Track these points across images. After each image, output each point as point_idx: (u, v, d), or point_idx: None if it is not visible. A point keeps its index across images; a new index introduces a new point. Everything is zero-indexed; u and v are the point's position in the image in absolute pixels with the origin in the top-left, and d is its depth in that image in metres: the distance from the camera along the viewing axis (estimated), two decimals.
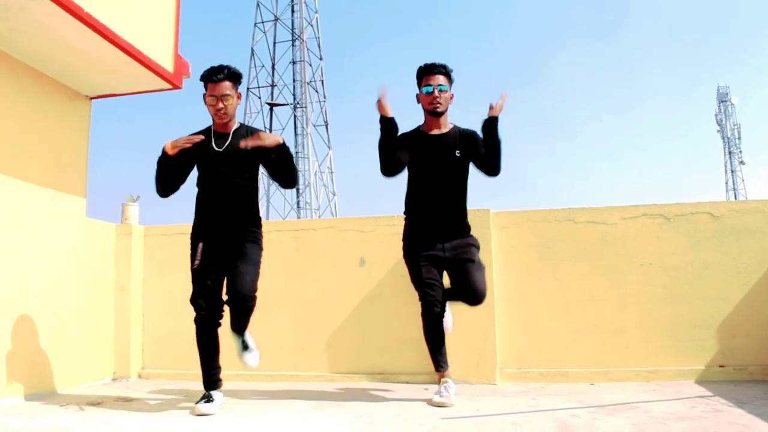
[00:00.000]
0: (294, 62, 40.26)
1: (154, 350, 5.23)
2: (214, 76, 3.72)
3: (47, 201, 4.40)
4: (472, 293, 3.89)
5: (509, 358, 4.66)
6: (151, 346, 5.25)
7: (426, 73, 3.95)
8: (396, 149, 3.90)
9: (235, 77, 3.79)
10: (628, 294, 4.62)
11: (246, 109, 38.81)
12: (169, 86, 4.69)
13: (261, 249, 3.83)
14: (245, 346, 3.85)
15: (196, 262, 3.74)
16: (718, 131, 51.61)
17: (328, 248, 5.02)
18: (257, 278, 3.75)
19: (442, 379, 3.87)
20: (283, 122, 40.38)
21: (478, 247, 4.00)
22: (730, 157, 50.92)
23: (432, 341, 3.88)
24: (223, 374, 3.79)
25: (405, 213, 4.06)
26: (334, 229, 5.03)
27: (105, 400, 4.09)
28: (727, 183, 50.54)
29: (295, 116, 39.70)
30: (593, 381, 4.50)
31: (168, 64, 4.55)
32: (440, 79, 3.92)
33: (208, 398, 3.64)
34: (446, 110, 3.98)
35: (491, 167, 3.90)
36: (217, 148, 3.77)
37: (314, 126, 40.02)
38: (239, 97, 3.85)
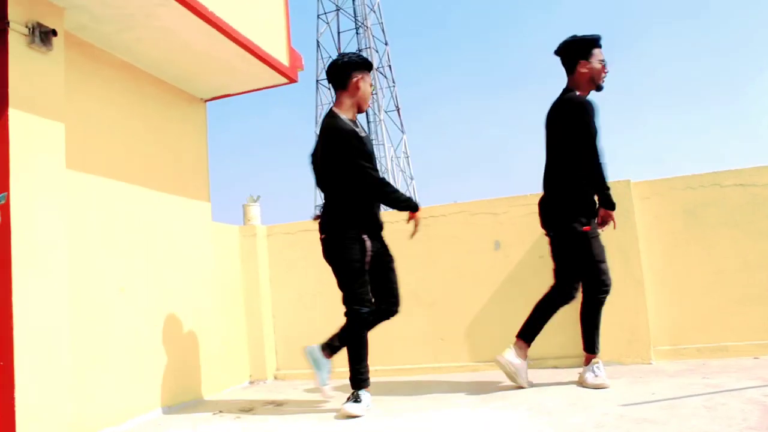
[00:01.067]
0: (360, 50, 40.25)
1: (287, 351, 5.18)
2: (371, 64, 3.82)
3: (177, 208, 4.39)
4: None
5: (662, 334, 4.39)
6: (284, 347, 5.21)
7: (599, 45, 3.81)
8: None
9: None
10: None
11: (317, 101, 39.07)
12: (286, 80, 4.59)
13: None
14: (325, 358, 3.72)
15: (368, 258, 3.60)
16: None
17: (459, 234, 4.85)
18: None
19: (593, 360, 3.73)
20: None
21: None
22: None
23: (598, 321, 3.80)
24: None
25: (571, 185, 3.74)
26: (465, 213, 4.84)
27: (255, 405, 4.05)
28: None
29: None
30: (757, 354, 4.19)
31: (283, 58, 4.46)
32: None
33: (356, 398, 3.52)
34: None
35: None
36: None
37: (386, 112, 39.96)
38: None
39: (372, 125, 39.02)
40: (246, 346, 5.10)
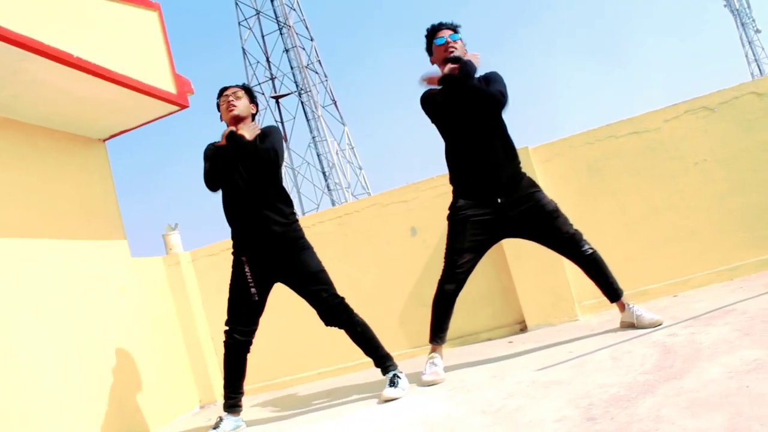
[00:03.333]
0: (287, 50, 39.96)
1: None
2: (224, 87, 3.82)
3: (92, 253, 4.37)
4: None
5: (585, 290, 4.51)
6: None
7: (434, 31, 3.80)
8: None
9: (247, 89, 3.86)
10: (689, 196, 4.43)
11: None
12: (177, 107, 4.58)
13: (312, 249, 3.77)
14: (393, 382, 3.57)
15: (253, 290, 3.69)
16: (725, 6, 50.04)
17: (375, 227, 4.91)
18: (329, 281, 3.73)
19: (432, 354, 3.71)
20: (292, 111, 40.13)
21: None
22: (744, 29, 49.42)
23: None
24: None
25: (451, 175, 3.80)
26: (377, 206, 4.90)
27: (205, 430, 4.10)
28: (747, 56, 49.14)
29: (302, 102, 39.55)
30: (675, 293, 4.35)
31: (170, 87, 4.45)
32: (448, 32, 3.76)
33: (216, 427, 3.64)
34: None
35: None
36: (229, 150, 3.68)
37: (323, 107, 39.82)
38: (254, 109, 3.86)
39: (312, 122, 38.90)
40: (190, 373, 5.11)
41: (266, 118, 39.05)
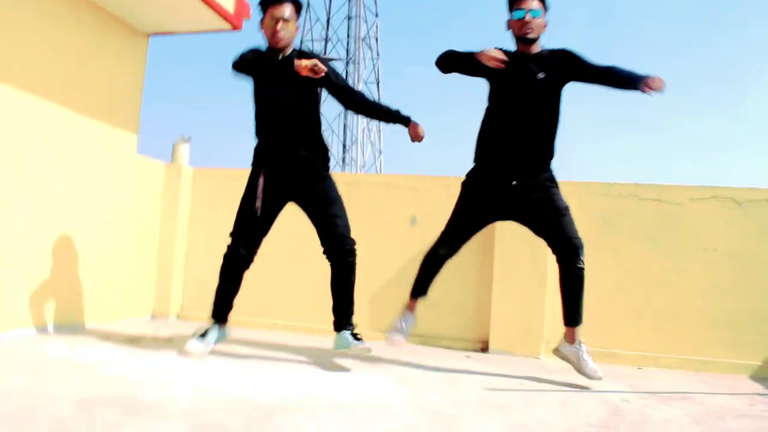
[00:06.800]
0: (350, 17, 39.91)
1: (195, 292, 5.18)
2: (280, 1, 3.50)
3: (102, 135, 4.37)
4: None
5: (557, 333, 4.47)
6: (192, 288, 5.21)
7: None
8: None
9: (296, 3, 3.58)
10: (688, 279, 4.40)
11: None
12: (229, 26, 4.54)
13: (335, 183, 3.68)
14: (357, 338, 3.56)
15: (258, 203, 3.56)
16: None
17: (380, 204, 4.89)
18: (347, 216, 3.62)
19: (407, 311, 3.73)
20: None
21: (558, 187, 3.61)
22: None
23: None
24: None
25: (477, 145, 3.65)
26: (389, 186, 4.88)
27: (143, 337, 4.11)
28: None
29: (347, 72, 39.48)
30: (641, 365, 4.33)
31: (229, 4, 4.41)
32: (533, 3, 3.43)
33: (204, 335, 3.58)
34: (538, 38, 3.51)
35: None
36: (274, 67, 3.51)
37: (365, 83, 39.77)
38: (297, 30, 3.62)
39: None
40: (153, 282, 5.10)
41: None
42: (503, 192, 3.54)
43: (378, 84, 40.19)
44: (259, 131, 3.65)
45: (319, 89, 3.66)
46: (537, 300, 4.42)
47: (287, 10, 3.50)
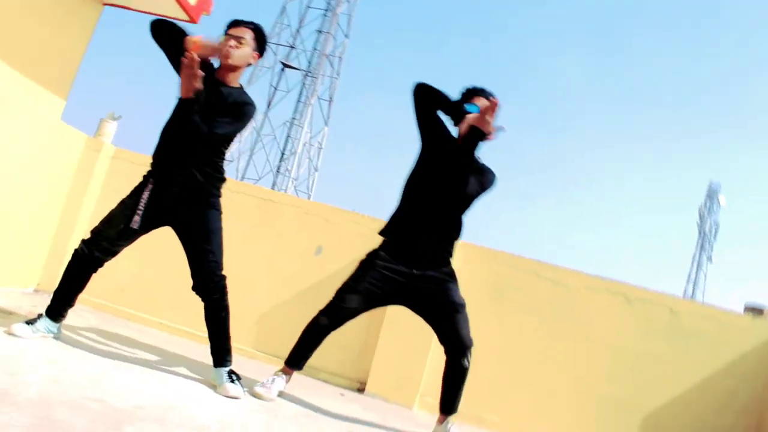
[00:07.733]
0: (320, 31, 39.95)
1: None
2: (239, 20, 3.49)
3: (27, 92, 4.23)
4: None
5: (434, 388, 4.55)
6: None
7: (474, 94, 3.61)
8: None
9: (259, 34, 3.53)
10: (566, 361, 4.56)
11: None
12: (186, 18, 4.48)
13: (221, 215, 3.53)
14: (232, 378, 3.40)
15: (136, 217, 3.44)
16: (697, 223, 52.22)
17: (288, 227, 4.89)
18: (221, 252, 3.46)
19: (281, 373, 3.59)
20: (290, 86, 39.78)
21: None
22: (701, 252, 51.56)
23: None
24: None
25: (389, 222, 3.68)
26: (300, 210, 4.89)
27: (18, 310, 3.98)
28: (690, 275, 51.17)
29: (303, 84, 39.41)
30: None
31: None
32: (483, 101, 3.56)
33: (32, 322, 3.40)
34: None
35: None
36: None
37: (319, 98, 39.73)
38: (256, 58, 3.54)
39: (300, 105, 38.73)
40: (45, 254, 4.92)
41: (265, 77, 38.74)
42: (402, 277, 3.54)
43: (330, 102, 40.22)
44: (163, 136, 3.53)
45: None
46: (421, 352, 4.49)
47: (246, 32, 3.47)
